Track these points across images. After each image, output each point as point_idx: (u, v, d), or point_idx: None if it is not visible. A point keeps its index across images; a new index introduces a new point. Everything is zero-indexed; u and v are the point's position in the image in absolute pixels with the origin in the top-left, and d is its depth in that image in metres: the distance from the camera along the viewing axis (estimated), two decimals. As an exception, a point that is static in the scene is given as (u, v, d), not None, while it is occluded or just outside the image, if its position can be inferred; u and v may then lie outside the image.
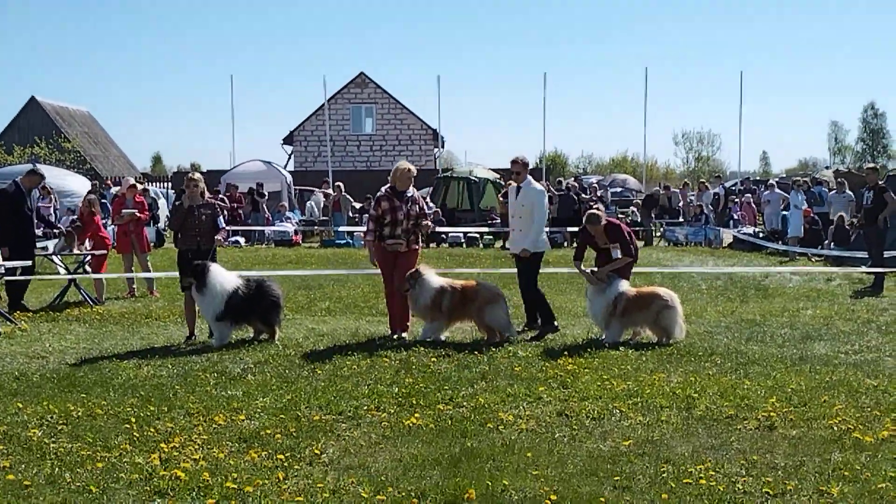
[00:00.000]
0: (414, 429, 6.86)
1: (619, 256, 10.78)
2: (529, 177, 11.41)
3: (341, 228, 27.95)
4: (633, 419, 7.16)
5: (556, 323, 11.26)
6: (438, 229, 27.45)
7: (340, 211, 28.97)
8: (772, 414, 7.18)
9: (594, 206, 11.18)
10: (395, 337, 10.73)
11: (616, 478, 5.74)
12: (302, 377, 8.67)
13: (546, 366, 9.08)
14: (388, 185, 10.83)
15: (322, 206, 31.14)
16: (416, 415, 7.21)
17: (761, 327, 11.58)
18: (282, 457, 6.15)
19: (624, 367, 9.04)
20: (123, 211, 15.38)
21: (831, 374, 8.65)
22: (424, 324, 10.78)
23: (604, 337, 10.47)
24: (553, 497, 5.39)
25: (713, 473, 5.85)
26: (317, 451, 6.30)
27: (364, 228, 12.99)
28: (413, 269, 10.60)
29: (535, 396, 7.85)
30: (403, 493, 5.46)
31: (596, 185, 33.85)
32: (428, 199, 30.92)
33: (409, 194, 10.75)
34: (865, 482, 5.64)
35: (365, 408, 7.46)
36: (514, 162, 11.37)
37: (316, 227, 30.57)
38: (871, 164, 18.73)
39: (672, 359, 9.53)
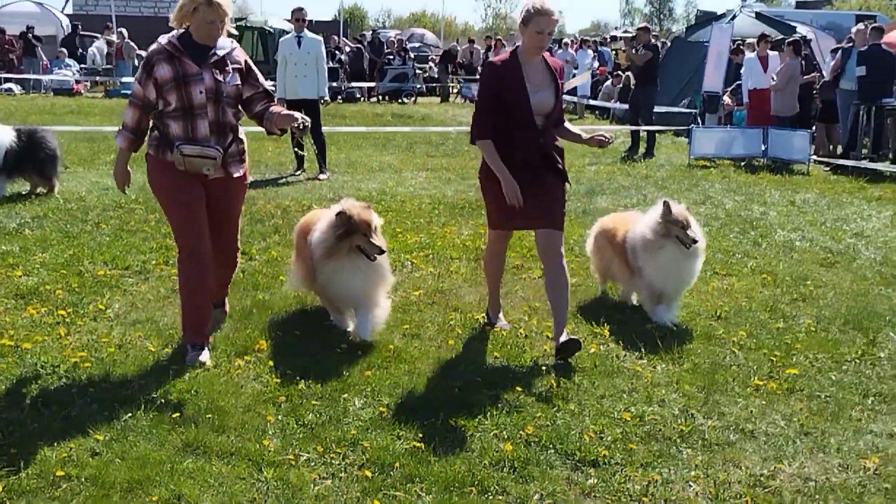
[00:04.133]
0: (205, 282, 6.73)
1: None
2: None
3: (126, 79, 26.44)
4: (425, 270, 7.34)
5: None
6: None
7: (124, 59, 27.36)
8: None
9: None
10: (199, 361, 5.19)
11: (406, 326, 5.90)
12: (85, 232, 8.30)
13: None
14: (175, 33, 5.18)
15: (105, 53, 29.27)
16: (207, 269, 7.07)
17: (549, 182, 11.99)
18: (63, 312, 5.91)
19: (416, 221, 9.20)
20: None
21: (610, 226, 9.13)
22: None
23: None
24: (344, 346, 5.49)
25: (498, 320, 6.12)
26: (101, 307, 6.10)
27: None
28: None
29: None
30: (193, 346, 5.39)
31: (395, 40, 33.44)
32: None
33: (221, 51, 5.16)
34: (634, 323, 6.07)
35: (153, 262, 7.25)
36: (301, 9, 12.16)
37: (99, 77, 28.80)
38: (643, 24, 19.05)
39: (464, 212, 9.77)
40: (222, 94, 5.10)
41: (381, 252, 5.39)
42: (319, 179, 11.79)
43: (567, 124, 5.70)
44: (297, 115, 5.15)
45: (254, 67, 5.32)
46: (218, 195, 5.28)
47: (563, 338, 5.31)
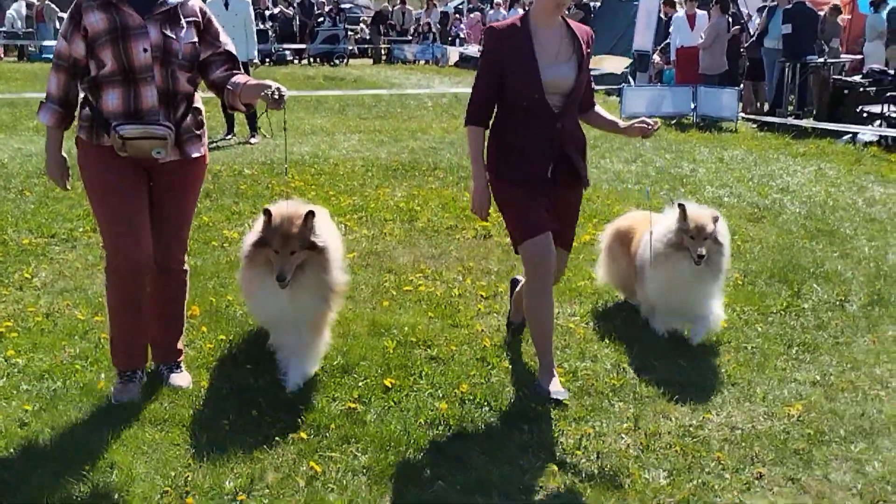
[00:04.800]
0: (134, 249, 6.63)
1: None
2: None
3: (47, 42, 25.69)
4: (359, 233, 7.32)
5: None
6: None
7: (45, 22, 26.57)
8: (488, 224, 7.56)
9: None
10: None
11: (340, 288, 5.88)
12: (8, 200, 8.09)
13: (272, 183, 9.01)
14: None
15: (24, 16, 28.37)
16: (137, 235, 6.96)
17: (482, 143, 12.01)
18: (-13, 283, 5.78)
19: (350, 184, 9.15)
20: None
21: (543, 186, 9.19)
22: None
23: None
24: (278, 309, 5.46)
25: (433, 280, 6.14)
26: (27, 276, 5.97)
27: None
28: None
29: (259, 213, 7.79)
30: (123, 314, 5.31)
31: (324, 1, 33.01)
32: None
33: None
34: (567, 281, 6.14)
35: (80, 230, 7.11)
36: None
37: (19, 41, 27.93)
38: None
39: (397, 174, 9.75)
40: (173, 54, 4.02)
41: (282, 279, 4.14)
42: (251, 143, 11.64)
43: (598, 109, 4.63)
44: (270, 82, 3.98)
45: (214, 21, 4.25)
46: (168, 184, 4.21)
47: (552, 389, 4.36)
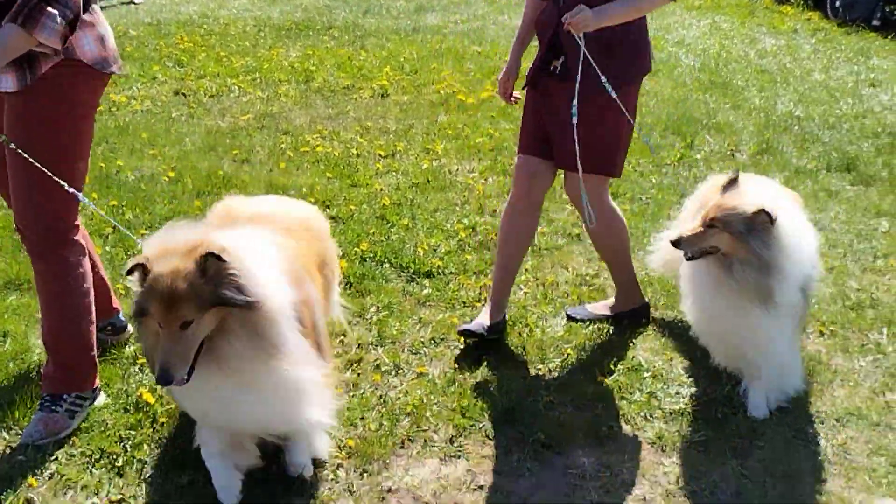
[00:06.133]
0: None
1: None
2: None
3: None
4: (253, 94, 7.13)
5: None
6: None
7: None
8: (385, 83, 7.45)
9: None
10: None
11: (235, 151, 5.76)
12: None
13: (160, 45, 8.64)
14: None
15: None
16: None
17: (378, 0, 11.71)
18: None
19: (242, 44, 8.85)
20: None
21: (440, 43, 9.05)
22: None
23: None
24: (171, 174, 5.32)
25: (330, 141, 6.06)
26: None
27: None
28: None
29: (149, 77, 7.50)
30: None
31: None
32: None
33: None
34: (466, 138, 6.13)
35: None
36: None
37: None
38: None
39: (290, 34, 9.45)
40: None
41: (166, 378, 2.42)
42: (135, 3, 11.08)
43: None
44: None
45: None
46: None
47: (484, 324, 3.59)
